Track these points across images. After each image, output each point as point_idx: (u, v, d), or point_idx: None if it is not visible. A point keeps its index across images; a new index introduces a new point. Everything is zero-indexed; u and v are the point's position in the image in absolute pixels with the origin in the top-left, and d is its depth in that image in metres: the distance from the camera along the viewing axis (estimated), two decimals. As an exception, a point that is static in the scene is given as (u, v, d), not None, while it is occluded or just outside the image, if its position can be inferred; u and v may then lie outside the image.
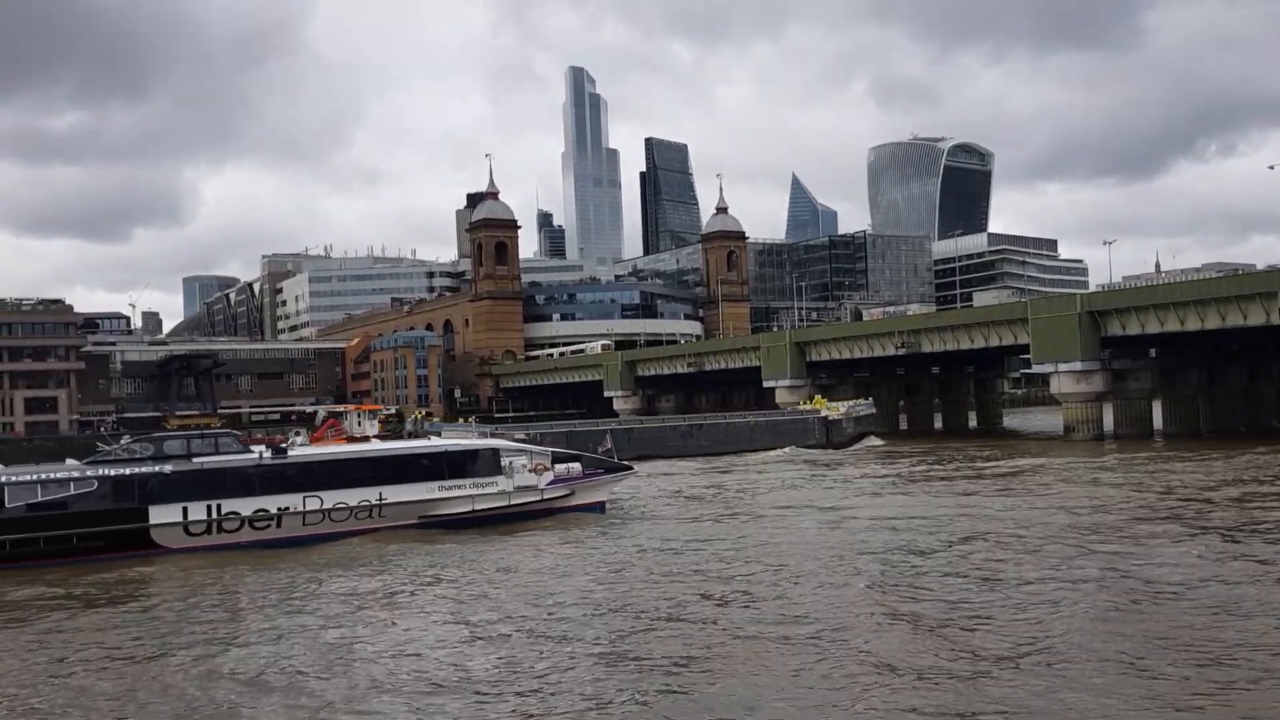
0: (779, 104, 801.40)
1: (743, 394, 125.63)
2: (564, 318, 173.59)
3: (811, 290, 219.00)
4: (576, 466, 41.66)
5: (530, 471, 40.12)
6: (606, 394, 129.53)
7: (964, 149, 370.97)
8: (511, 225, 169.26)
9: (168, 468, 35.11)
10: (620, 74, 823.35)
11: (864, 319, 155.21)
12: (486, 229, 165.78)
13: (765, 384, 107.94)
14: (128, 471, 34.76)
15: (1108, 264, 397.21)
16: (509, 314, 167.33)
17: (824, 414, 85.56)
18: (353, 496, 36.79)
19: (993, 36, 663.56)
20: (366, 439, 44.13)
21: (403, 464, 38.60)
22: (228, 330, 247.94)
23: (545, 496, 40.37)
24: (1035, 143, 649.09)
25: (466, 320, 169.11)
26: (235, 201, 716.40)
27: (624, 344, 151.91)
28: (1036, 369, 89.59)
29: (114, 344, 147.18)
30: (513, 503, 39.50)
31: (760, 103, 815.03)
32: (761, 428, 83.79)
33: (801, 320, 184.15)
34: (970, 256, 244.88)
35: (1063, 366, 78.51)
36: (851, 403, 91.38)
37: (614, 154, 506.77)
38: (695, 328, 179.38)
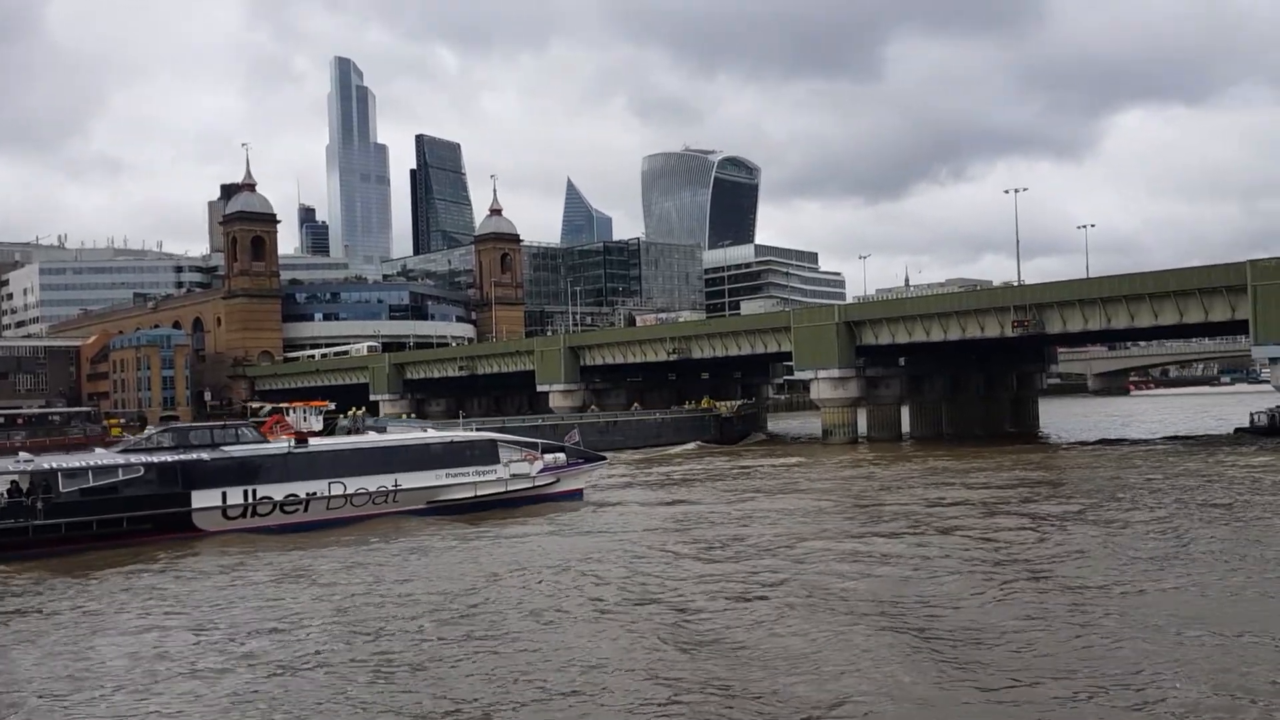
0: (547, 114, 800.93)
1: (516, 398, 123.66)
2: (327, 318, 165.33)
3: (586, 295, 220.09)
4: (561, 457, 45.38)
5: (523, 461, 43.55)
6: (373, 397, 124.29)
7: (733, 162, 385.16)
8: (270, 219, 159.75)
9: (206, 455, 36.88)
10: (385, 75, 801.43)
11: (637, 324, 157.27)
12: (242, 222, 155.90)
13: (539, 388, 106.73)
14: (171, 458, 36.24)
15: (862, 277, 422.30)
16: (266, 313, 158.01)
17: (718, 412, 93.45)
18: (372, 483, 39.68)
19: (746, 60, 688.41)
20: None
21: (415, 453, 41.57)
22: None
23: (536, 484, 43.75)
24: (792, 162, 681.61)
25: (219, 318, 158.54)
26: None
27: (392, 346, 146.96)
28: (799, 375, 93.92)
29: None
30: (509, 489, 42.81)
31: (529, 112, 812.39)
32: (667, 424, 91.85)
33: (576, 325, 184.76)
34: (738, 266, 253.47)
35: (822, 373, 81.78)
36: (740, 402, 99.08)
37: (383, 149, 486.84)
38: (468, 330, 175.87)
